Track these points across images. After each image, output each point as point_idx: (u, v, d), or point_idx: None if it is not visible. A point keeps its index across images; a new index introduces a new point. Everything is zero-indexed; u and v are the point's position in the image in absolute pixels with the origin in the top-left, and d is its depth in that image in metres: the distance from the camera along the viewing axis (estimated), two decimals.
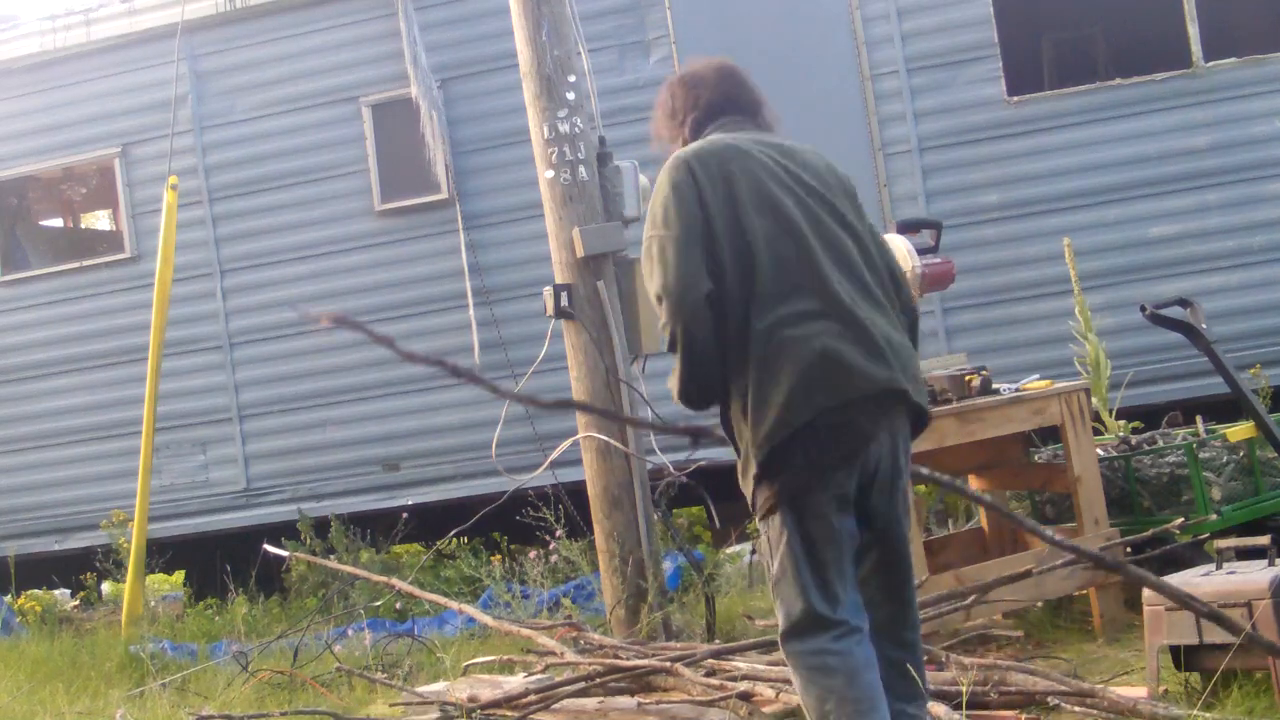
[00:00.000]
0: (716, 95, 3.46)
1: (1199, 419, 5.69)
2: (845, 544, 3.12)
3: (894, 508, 3.19)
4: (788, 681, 4.27)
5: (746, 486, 3.17)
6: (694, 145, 3.33)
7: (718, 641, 5.49)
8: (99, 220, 14.87)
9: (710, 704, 4.29)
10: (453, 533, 6.83)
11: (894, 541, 3.22)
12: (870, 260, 3.22)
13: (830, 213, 3.21)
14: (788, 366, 3.05)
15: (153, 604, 8.21)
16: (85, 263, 9.28)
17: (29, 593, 8.64)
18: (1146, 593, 4.04)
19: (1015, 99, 7.99)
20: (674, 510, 7.12)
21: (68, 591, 9.19)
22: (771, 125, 3.46)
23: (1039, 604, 5.12)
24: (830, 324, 3.07)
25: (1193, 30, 7.84)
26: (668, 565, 6.63)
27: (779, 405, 3.04)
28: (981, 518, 5.81)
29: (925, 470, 3.74)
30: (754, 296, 3.11)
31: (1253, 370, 7.22)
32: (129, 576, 7.95)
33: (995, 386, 5.17)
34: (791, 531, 3.10)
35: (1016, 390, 5.16)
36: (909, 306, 3.32)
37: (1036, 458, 5.67)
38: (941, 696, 3.94)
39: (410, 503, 8.40)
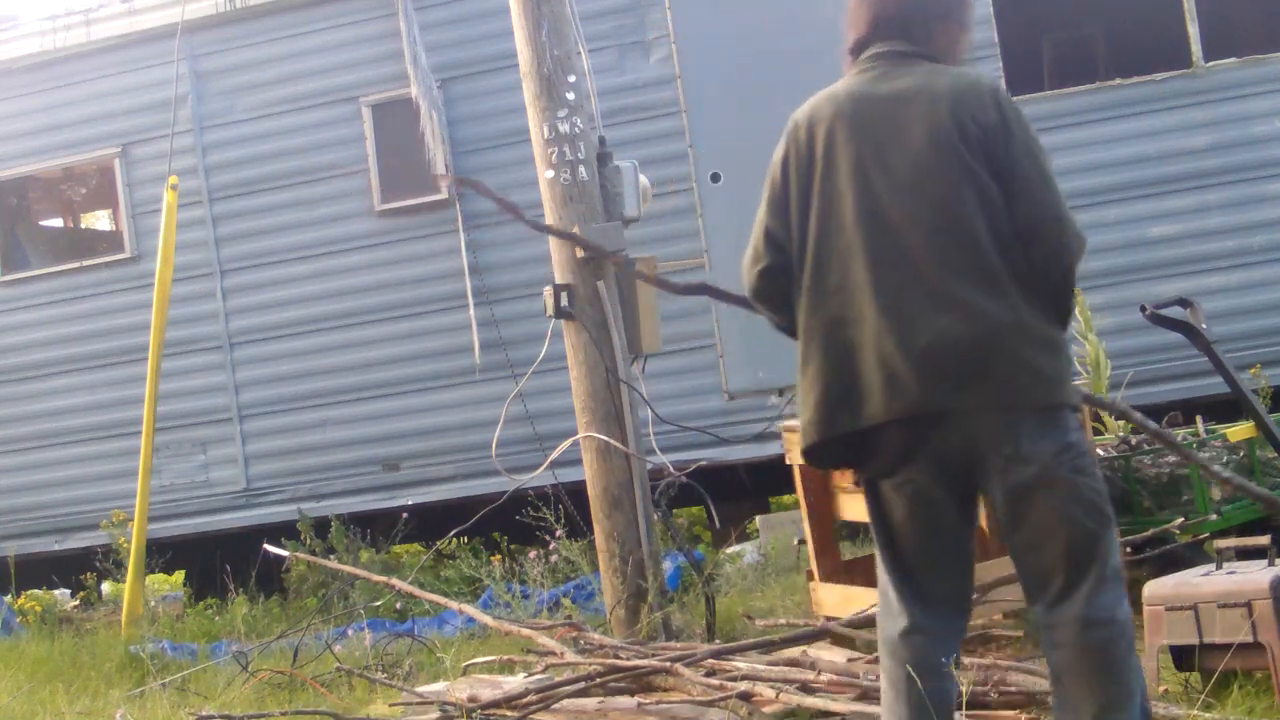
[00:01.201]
0: (866, 19, 3.12)
1: (1199, 419, 5.69)
2: (924, 534, 2.97)
3: (997, 489, 2.90)
4: (788, 681, 4.28)
5: None
6: (806, 104, 3.16)
7: (718, 641, 5.49)
8: (99, 220, 14.87)
9: (710, 704, 4.29)
10: (453, 533, 6.83)
11: (1019, 522, 2.90)
12: (961, 236, 2.86)
13: (907, 193, 2.91)
14: (813, 379, 2.95)
15: (153, 604, 8.20)
16: (85, 263, 9.29)
17: (29, 593, 8.63)
18: (1146, 592, 4.05)
19: (1015, 99, 7.97)
20: (674, 510, 7.12)
21: (68, 591, 9.19)
22: (927, 40, 3.07)
23: None
24: (856, 335, 2.90)
25: (1193, 30, 7.84)
26: (668, 565, 6.63)
27: (804, 416, 2.98)
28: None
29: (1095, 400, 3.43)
30: (804, 288, 3.00)
31: (1253, 370, 7.22)
32: (129, 576, 7.95)
33: None
34: (870, 510, 3.06)
35: None
36: (1046, 264, 2.90)
37: None
38: None
39: (410, 503, 8.40)
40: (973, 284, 2.85)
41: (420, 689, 5.07)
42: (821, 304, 2.97)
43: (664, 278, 4.15)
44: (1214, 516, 5.07)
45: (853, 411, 2.91)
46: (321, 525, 8.20)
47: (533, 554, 7.18)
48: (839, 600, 5.27)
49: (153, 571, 8.40)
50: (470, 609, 5.99)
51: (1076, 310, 6.31)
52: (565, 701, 4.53)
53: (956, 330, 2.84)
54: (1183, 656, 3.95)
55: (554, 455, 6.28)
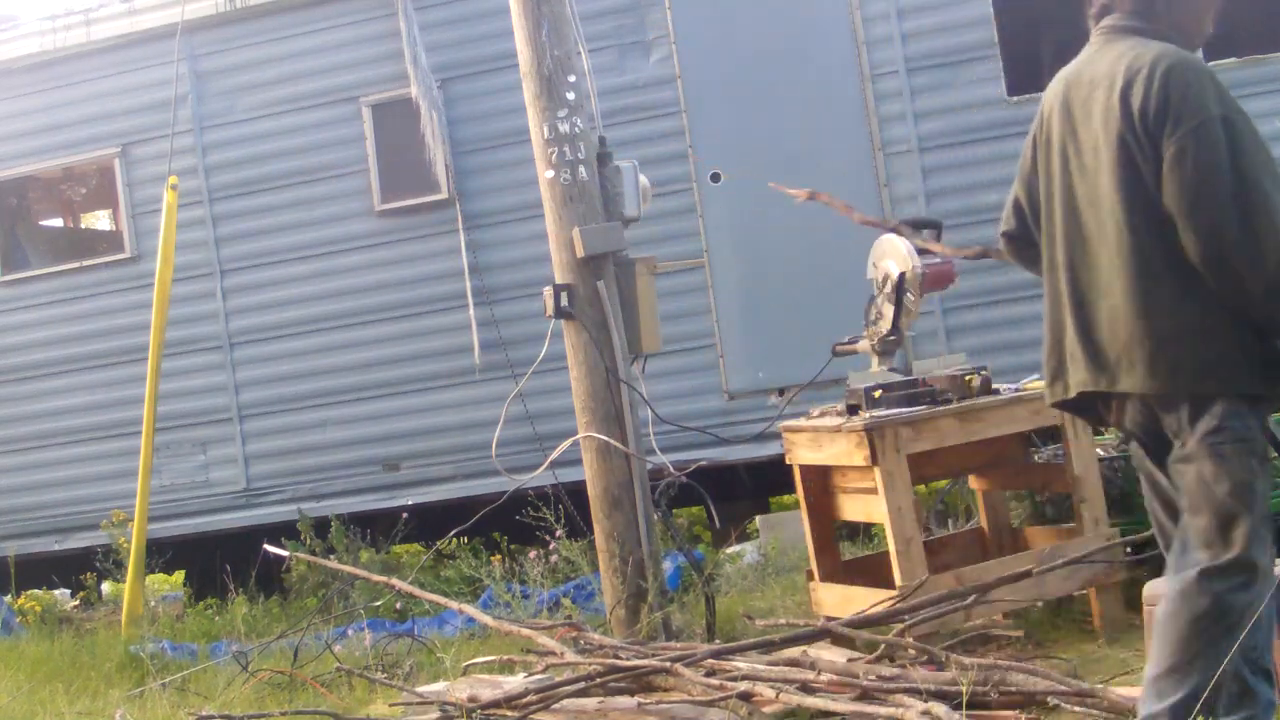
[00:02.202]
0: None
1: None
2: (1152, 489, 3.15)
3: (1172, 463, 3.03)
4: (788, 681, 4.28)
5: None
6: (1054, 79, 3.22)
7: (718, 641, 5.49)
8: (99, 220, 14.87)
9: (710, 704, 4.29)
10: (453, 533, 6.83)
11: (1180, 492, 3.02)
12: (1118, 224, 2.95)
13: (1086, 179, 3.03)
14: (1043, 348, 3.21)
15: (153, 604, 8.20)
16: (85, 263, 9.28)
17: (29, 593, 8.63)
18: (1146, 592, 4.04)
19: (1015, 99, 7.99)
20: (674, 510, 7.12)
21: (68, 591, 9.19)
22: (1168, 9, 3.07)
23: (1039, 604, 5.12)
24: (1060, 312, 3.12)
25: None
26: (668, 565, 6.63)
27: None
28: (981, 517, 5.81)
29: None
30: (1043, 260, 3.23)
31: None
32: (129, 576, 7.95)
33: (995, 386, 5.17)
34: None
35: (1017, 390, 5.16)
36: (1193, 254, 2.85)
37: (1036, 458, 5.67)
38: (941, 696, 3.94)
39: (410, 503, 8.40)
40: (1126, 272, 2.95)
41: (420, 689, 5.07)
42: (1048, 278, 3.17)
43: (959, 247, 4.49)
44: None
45: (1062, 384, 3.15)
46: (321, 525, 8.20)
47: (533, 554, 7.18)
48: (839, 600, 5.27)
49: (153, 571, 8.40)
50: (470, 609, 5.99)
51: None
52: (565, 701, 4.53)
53: (1112, 317, 2.98)
54: None
55: (554, 455, 6.28)
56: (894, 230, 5.27)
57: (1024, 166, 3.30)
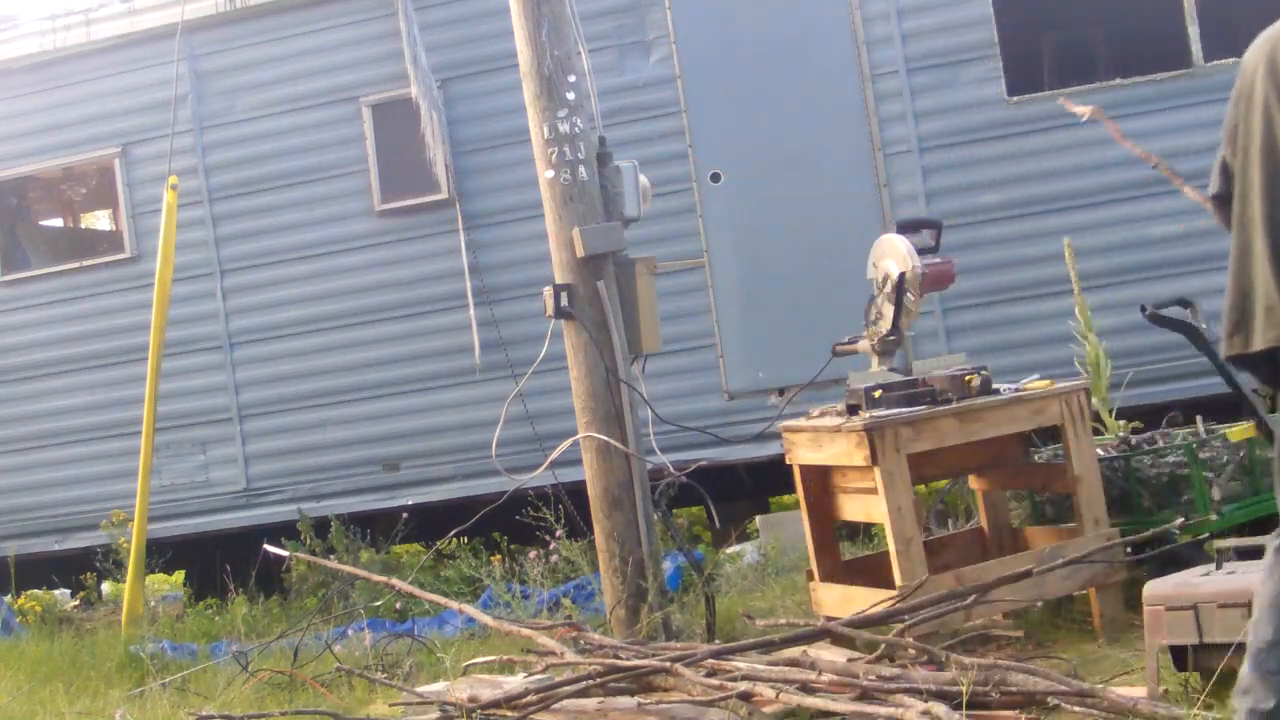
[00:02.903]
0: None
1: (1199, 419, 5.69)
2: None
3: None
4: (788, 681, 4.28)
5: None
6: (1258, 39, 3.28)
7: (718, 641, 5.49)
8: (99, 220, 14.87)
9: (710, 704, 4.29)
10: (453, 533, 6.83)
11: None
12: None
13: None
14: (1226, 302, 3.16)
15: (153, 604, 8.21)
16: (85, 263, 9.29)
17: (29, 593, 8.64)
18: (1146, 592, 4.05)
19: (1015, 99, 7.99)
20: (674, 510, 7.12)
21: (68, 591, 9.19)
22: None
23: (1039, 604, 5.12)
24: (1251, 265, 3.09)
25: (1193, 30, 7.83)
26: (668, 565, 6.63)
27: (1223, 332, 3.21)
28: (981, 517, 5.81)
29: None
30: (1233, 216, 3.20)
31: None
32: (129, 576, 7.96)
33: (995, 386, 5.17)
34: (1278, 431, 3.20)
35: (1016, 390, 5.16)
36: None
37: (1036, 458, 5.67)
38: (941, 696, 3.94)
39: (410, 503, 8.41)
40: None
41: (420, 689, 5.07)
42: (1238, 233, 3.16)
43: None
44: (1214, 517, 5.07)
45: (1244, 337, 3.12)
46: (321, 525, 8.21)
47: (533, 554, 7.18)
48: (839, 600, 5.27)
49: (153, 571, 8.40)
50: (470, 609, 5.99)
51: (1076, 310, 6.34)
52: (565, 701, 4.53)
53: None
54: (1183, 656, 3.95)
55: (554, 455, 6.28)
56: (1181, 184, 5.30)
57: (1228, 127, 3.29)
